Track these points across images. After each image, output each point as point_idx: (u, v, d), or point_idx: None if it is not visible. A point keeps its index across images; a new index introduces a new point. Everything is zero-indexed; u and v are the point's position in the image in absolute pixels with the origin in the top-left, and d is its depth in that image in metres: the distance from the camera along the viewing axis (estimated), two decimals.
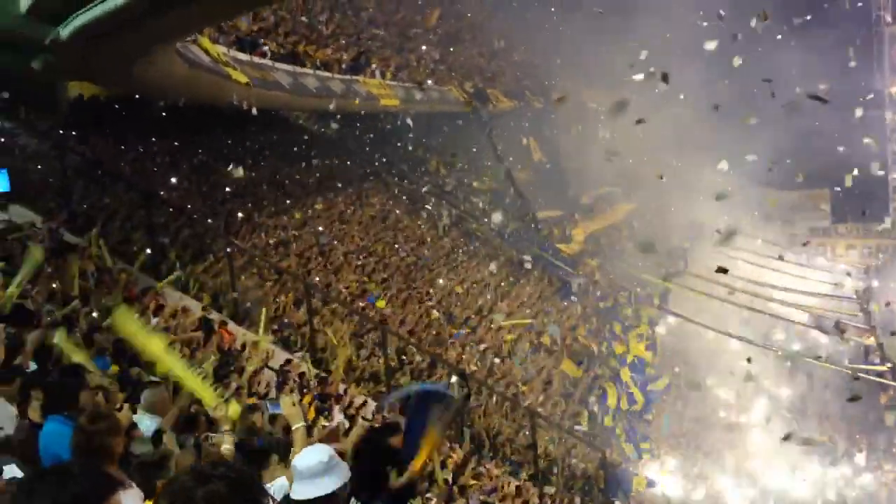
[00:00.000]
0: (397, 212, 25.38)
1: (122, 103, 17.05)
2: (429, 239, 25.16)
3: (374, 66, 25.58)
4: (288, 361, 12.21)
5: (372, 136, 27.53)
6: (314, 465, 3.87)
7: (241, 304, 13.63)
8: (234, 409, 7.04)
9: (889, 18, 57.83)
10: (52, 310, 8.41)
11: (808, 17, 49.55)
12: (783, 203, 58.15)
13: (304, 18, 23.86)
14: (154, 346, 5.41)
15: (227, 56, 17.80)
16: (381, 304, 17.42)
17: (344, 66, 23.73)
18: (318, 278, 17.45)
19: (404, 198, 27.02)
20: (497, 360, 20.27)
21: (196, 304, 12.31)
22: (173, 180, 17.03)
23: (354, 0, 28.20)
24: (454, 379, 12.78)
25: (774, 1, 46.11)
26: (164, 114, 17.86)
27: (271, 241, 17.93)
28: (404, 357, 16.46)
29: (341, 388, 12.97)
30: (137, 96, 17.15)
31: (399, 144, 28.85)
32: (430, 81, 28.97)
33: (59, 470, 2.26)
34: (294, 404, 5.01)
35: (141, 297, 10.99)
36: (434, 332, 19.34)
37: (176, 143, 18.44)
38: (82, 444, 4.09)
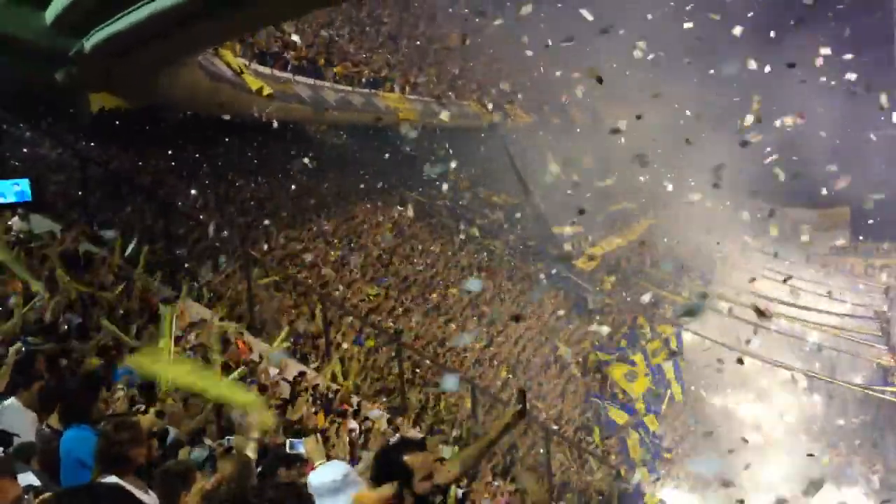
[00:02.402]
0: (413, 225, 25.41)
1: (143, 115, 17.23)
2: (444, 253, 25.18)
3: (394, 79, 25.73)
4: (302, 374, 12.20)
5: (390, 149, 27.62)
6: (329, 483, 3.86)
7: (257, 315, 13.68)
8: (269, 417, 7.08)
9: None
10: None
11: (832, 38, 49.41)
12: (803, 221, 57.84)
13: (324, 33, 24.05)
14: (178, 373, 5.43)
15: (248, 68, 17.99)
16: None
17: (364, 79, 23.89)
18: (334, 290, 17.50)
19: (420, 211, 27.05)
20: (510, 376, 20.21)
21: (212, 314, 12.36)
22: (192, 192, 17.16)
23: (375, 15, 28.37)
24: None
25: (797, 18, 46.28)
26: (184, 125, 18.05)
27: (287, 253, 17.99)
28: (418, 370, 16.45)
29: (355, 401, 12.96)
30: (159, 108, 17.33)
31: (417, 158, 28.92)
32: (449, 95, 29.08)
33: (86, 490, 2.29)
34: (317, 442, 5.01)
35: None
36: (449, 347, 19.31)
37: (196, 155, 18.61)
38: (104, 451, 4.13)
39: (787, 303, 38.19)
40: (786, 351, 34.86)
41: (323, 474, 3.94)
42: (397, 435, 11.80)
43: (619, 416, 22.65)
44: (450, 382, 11.15)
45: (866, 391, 32.18)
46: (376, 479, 4.06)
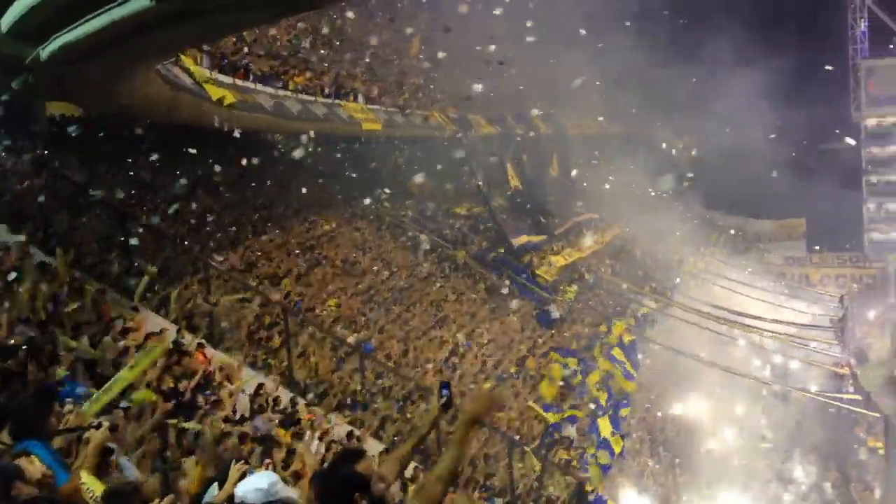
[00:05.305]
0: (376, 236, 25.39)
1: (101, 124, 16.97)
2: (407, 264, 25.18)
3: (356, 89, 25.71)
4: (261, 385, 12.10)
5: (352, 159, 27.57)
6: (254, 492, 3.83)
7: (217, 326, 13.54)
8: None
9: (865, 52, 59.01)
10: None
11: (787, 50, 50.74)
12: (760, 232, 59.01)
13: (287, 42, 23.97)
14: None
15: (210, 77, 17.83)
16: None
17: (326, 90, 23.84)
18: (297, 302, 17.40)
19: (383, 222, 27.04)
20: (472, 386, 20.23)
21: (171, 325, 12.21)
22: (151, 202, 16.94)
23: (337, 25, 28.32)
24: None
25: (754, 34, 47.38)
26: (143, 134, 17.79)
27: (249, 264, 17.85)
28: (380, 381, 16.41)
29: (317, 413, 12.90)
30: (117, 117, 17.09)
31: (379, 169, 28.94)
32: (412, 105, 29.13)
33: None
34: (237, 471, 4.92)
35: (115, 319, 10.88)
36: (412, 358, 19.30)
37: (156, 165, 18.36)
38: None
39: (746, 313, 38.89)
40: (744, 360, 35.43)
41: (250, 484, 3.91)
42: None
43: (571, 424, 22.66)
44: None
45: (823, 399, 32.78)
46: (328, 499, 4.02)
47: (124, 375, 7.94)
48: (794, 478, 29.44)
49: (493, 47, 26.80)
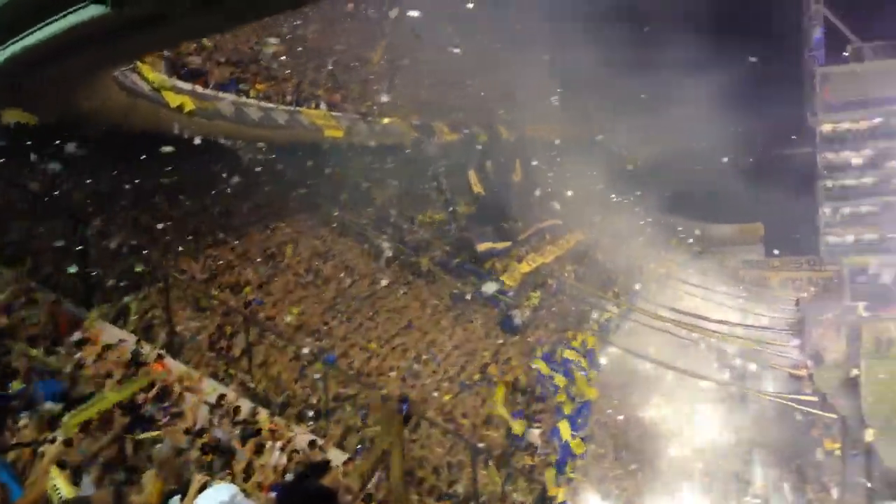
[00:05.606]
0: (338, 243, 25.28)
1: (59, 131, 16.68)
2: (370, 271, 25.11)
3: (319, 96, 25.59)
4: (222, 396, 11.98)
5: (314, 167, 27.43)
6: None
7: (177, 336, 13.38)
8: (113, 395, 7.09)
9: (821, 59, 60.31)
10: None
11: (743, 57, 51.74)
12: (719, 236, 60.00)
13: (247, 49, 23.78)
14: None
15: (168, 84, 17.62)
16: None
17: (288, 97, 23.69)
18: (258, 311, 17.26)
19: (346, 229, 26.93)
20: (436, 394, 20.23)
21: (131, 336, 12.04)
22: (109, 210, 16.70)
23: (299, 32, 28.17)
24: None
25: (711, 40, 48.20)
26: (101, 142, 17.51)
27: (210, 273, 17.67)
28: (344, 390, 16.34)
29: (279, 423, 12.79)
30: (75, 125, 16.81)
31: (342, 176, 28.82)
32: (375, 112, 29.09)
33: None
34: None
35: (71, 330, 10.71)
36: (375, 366, 19.24)
37: (114, 172, 18.10)
38: None
39: (706, 317, 39.46)
40: (704, 363, 35.94)
41: (210, 496, 3.88)
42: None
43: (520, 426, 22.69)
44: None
45: (781, 401, 33.38)
46: None
47: (110, 396, 7.86)
48: (754, 479, 29.91)
49: (456, 50, 26.93)
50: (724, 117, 50.31)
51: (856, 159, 59.83)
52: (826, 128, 60.48)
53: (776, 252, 58.28)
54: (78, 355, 10.08)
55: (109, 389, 8.14)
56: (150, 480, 5.53)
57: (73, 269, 12.41)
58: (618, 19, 47.09)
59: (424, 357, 22.07)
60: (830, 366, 40.28)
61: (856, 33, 59.06)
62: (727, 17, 53.67)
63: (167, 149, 16.86)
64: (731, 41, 52.45)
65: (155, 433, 8.62)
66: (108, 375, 9.70)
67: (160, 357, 11.67)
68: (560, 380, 26.37)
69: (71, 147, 16.62)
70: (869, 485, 28.44)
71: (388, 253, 26.71)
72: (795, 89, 59.58)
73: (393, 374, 19.49)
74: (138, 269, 14.69)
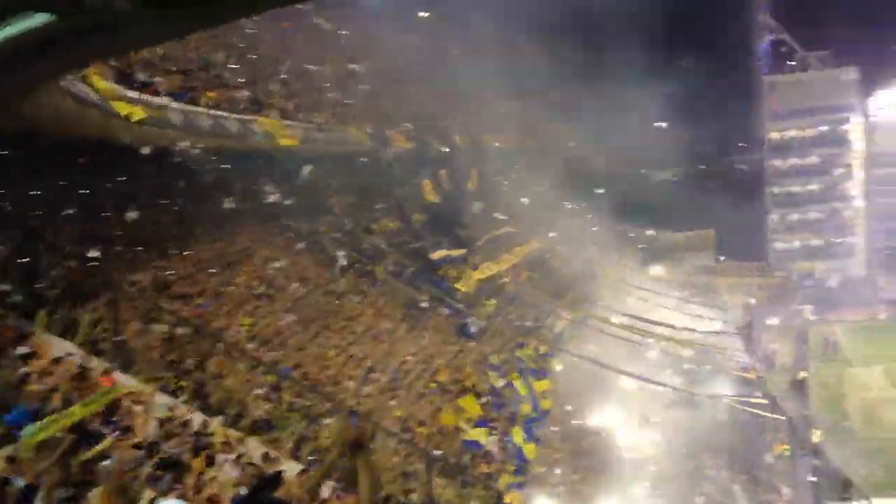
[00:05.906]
0: (292, 252, 25.13)
1: (7, 140, 16.33)
2: (324, 280, 25.02)
3: (272, 105, 25.44)
4: (172, 409, 11.85)
5: (268, 176, 27.22)
6: None
7: (127, 349, 13.20)
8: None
9: (767, 69, 61.80)
10: None
11: (692, 66, 52.88)
12: (671, 242, 61.00)
13: (198, 57, 23.56)
14: None
15: (118, 93, 17.36)
16: None
17: (241, 105, 23.49)
18: (211, 322, 17.09)
19: (301, 238, 26.78)
20: (392, 402, 20.24)
21: (79, 350, 11.84)
22: (58, 221, 16.39)
23: (252, 40, 27.99)
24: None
25: (663, 50, 49.17)
26: (50, 151, 17.18)
27: (161, 284, 17.44)
28: (297, 400, 16.26)
29: (232, 435, 12.69)
30: (25, 135, 16.47)
31: (297, 184, 28.62)
32: (330, 121, 29.01)
33: None
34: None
35: (16, 344, 10.50)
36: (330, 375, 19.18)
37: (62, 183, 17.77)
38: None
39: (659, 322, 40.04)
40: (657, 368, 36.42)
41: None
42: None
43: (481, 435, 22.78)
44: None
45: (732, 403, 34.00)
46: None
47: (75, 411, 7.74)
48: (705, 482, 30.38)
49: (411, 58, 26.96)
50: (675, 126, 51.33)
51: (802, 166, 61.43)
52: (773, 136, 61.94)
53: (724, 258, 59.48)
54: (23, 369, 9.89)
55: (79, 405, 8.01)
56: (97, 498, 5.50)
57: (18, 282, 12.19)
58: (572, 30, 47.87)
59: (380, 366, 22.06)
60: (780, 369, 41.22)
61: (802, 44, 60.71)
62: (678, 28, 54.86)
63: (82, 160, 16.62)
64: (682, 51, 53.62)
65: (101, 448, 8.50)
66: (54, 390, 9.53)
67: (107, 372, 11.49)
68: (515, 386, 26.51)
69: (17, 157, 16.31)
70: (817, 482, 29.15)
71: (343, 262, 26.65)
72: (744, 98, 61.03)
73: (348, 383, 19.46)
74: (87, 280, 14.45)
